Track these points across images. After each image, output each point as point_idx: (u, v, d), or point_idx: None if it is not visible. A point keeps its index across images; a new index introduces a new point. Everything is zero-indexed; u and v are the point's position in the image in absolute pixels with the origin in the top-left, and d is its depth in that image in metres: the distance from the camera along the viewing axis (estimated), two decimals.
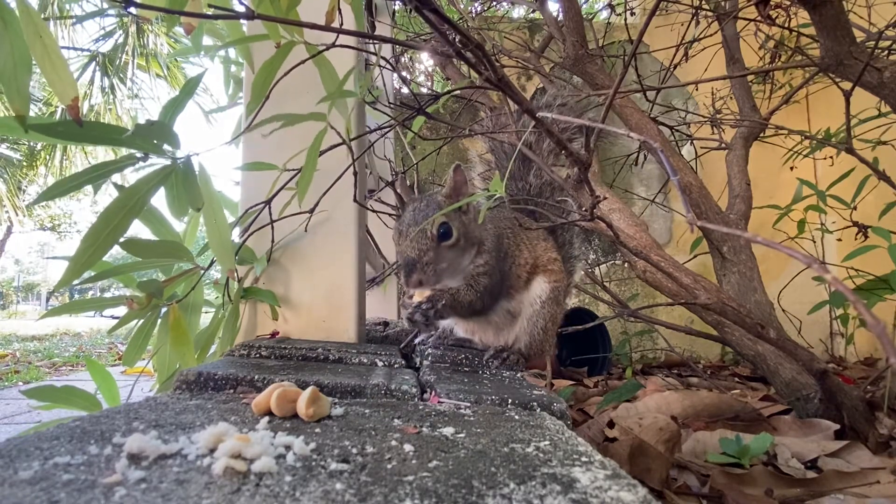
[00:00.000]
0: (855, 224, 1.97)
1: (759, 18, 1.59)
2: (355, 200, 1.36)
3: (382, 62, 1.49)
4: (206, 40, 1.56)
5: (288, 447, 0.55)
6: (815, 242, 2.90)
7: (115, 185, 1.04)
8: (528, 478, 0.49)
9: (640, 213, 3.33)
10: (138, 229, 1.28)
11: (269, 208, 1.35)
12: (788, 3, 2.26)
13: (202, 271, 1.29)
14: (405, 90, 3.02)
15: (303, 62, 1.21)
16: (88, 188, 1.03)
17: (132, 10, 0.77)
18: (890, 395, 1.28)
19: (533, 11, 3.34)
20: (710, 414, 1.41)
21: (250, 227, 1.38)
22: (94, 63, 8.13)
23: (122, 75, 8.07)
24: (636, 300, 3.24)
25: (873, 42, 1.28)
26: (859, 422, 1.23)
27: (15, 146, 11.20)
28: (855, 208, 1.94)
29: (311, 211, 1.37)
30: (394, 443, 0.60)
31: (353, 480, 0.48)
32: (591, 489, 0.47)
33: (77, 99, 0.83)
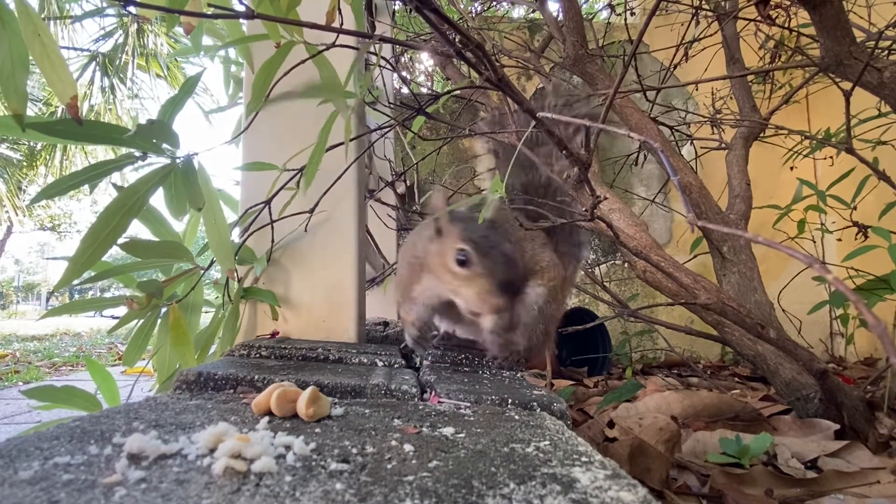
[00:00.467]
0: (855, 224, 1.97)
1: (759, 18, 1.59)
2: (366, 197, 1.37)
3: (382, 62, 1.49)
4: (206, 40, 1.56)
5: (288, 447, 0.55)
6: (815, 242, 2.91)
7: (115, 185, 1.04)
8: (528, 478, 0.49)
9: (640, 213, 3.33)
10: (138, 229, 1.28)
11: (269, 208, 1.35)
12: (788, 3, 2.26)
13: (202, 271, 1.29)
14: (405, 90, 3.03)
15: (302, 62, 1.21)
16: (86, 188, 1.03)
17: (132, 9, 0.77)
18: (890, 395, 1.28)
19: (533, 11, 3.34)
20: (710, 414, 1.41)
21: (250, 227, 1.38)
22: (93, 63, 8.13)
23: (122, 75, 8.07)
24: (636, 300, 3.24)
25: (873, 42, 1.28)
26: (859, 422, 1.23)
27: (15, 146, 11.20)
28: (855, 208, 1.94)
29: (312, 211, 1.37)
30: (394, 443, 0.60)
31: (353, 480, 0.48)
32: (591, 489, 0.47)
33: (76, 98, 0.83)
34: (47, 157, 10.43)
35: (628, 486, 0.47)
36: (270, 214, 1.35)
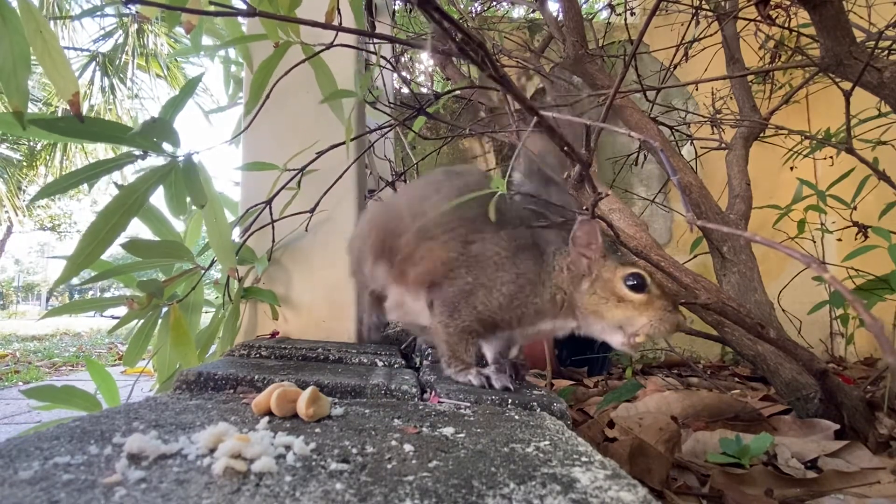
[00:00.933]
0: (855, 224, 1.97)
1: (759, 18, 1.59)
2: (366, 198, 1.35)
3: (382, 62, 1.49)
4: (206, 40, 1.56)
5: (288, 447, 0.55)
6: (815, 242, 2.90)
7: (115, 183, 1.05)
8: (528, 478, 0.49)
9: (640, 213, 3.33)
10: (139, 229, 1.28)
11: (270, 208, 1.35)
12: (788, 3, 2.26)
13: (203, 271, 1.29)
14: (405, 90, 3.03)
15: (301, 62, 1.21)
16: (86, 187, 1.03)
17: (133, 8, 0.77)
18: (890, 395, 1.28)
19: (533, 11, 3.34)
20: (710, 414, 1.41)
21: (251, 226, 1.38)
22: (94, 63, 8.13)
23: (122, 75, 8.08)
24: None
25: (873, 42, 1.28)
26: (859, 422, 1.23)
27: (15, 146, 11.19)
28: (855, 208, 1.94)
29: (312, 211, 1.37)
30: (394, 443, 0.60)
31: (353, 480, 0.48)
32: (591, 489, 0.47)
33: (78, 94, 0.83)
34: (47, 156, 10.43)
35: (628, 486, 0.47)
36: (271, 214, 1.35)
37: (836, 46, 1.18)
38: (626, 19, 2.53)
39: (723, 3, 2.21)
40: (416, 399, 0.87)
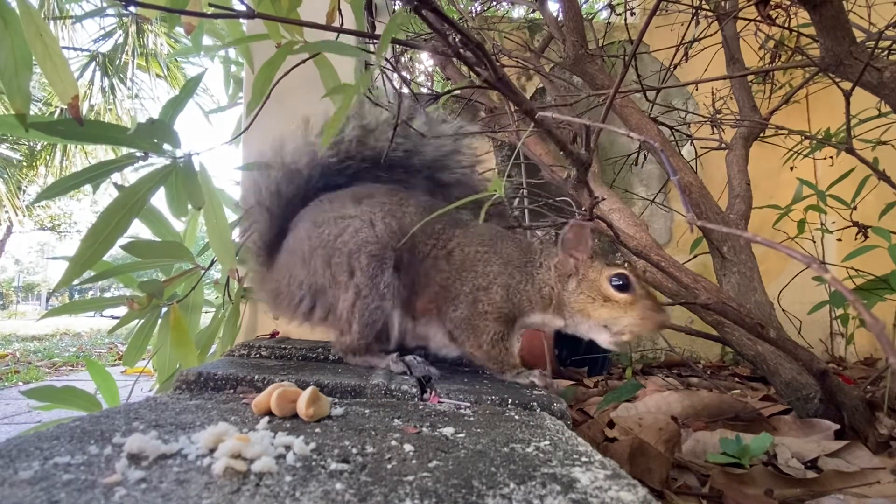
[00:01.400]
0: (855, 224, 1.97)
1: (759, 18, 1.59)
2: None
3: (382, 62, 1.49)
4: (207, 40, 1.56)
5: (288, 447, 0.55)
6: (815, 242, 2.90)
7: (116, 184, 1.05)
8: (528, 478, 0.49)
9: (640, 213, 3.33)
10: (139, 230, 1.28)
11: None
12: (788, 3, 2.26)
13: (203, 271, 1.29)
14: (405, 90, 3.02)
15: (303, 62, 1.21)
16: (87, 188, 1.04)
17: (133, 9, 0.77)
18: (890, 395, 1.28)
19: (533, 11, 3.34)
20: (710, 414, 1.40)
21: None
22: (94, 63, 8.13)
23: (122, 75, 8.08)
24: None
25: (873, 42, 1.28)
26: (859, 422, 1.23)
27: (15, 146, 11.19)
28: (855, 208, 1.94)
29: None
30: (394, 443, 0.60)
31: (353, 480, 0.48)
32: (591, 489, 0.47)
33: (77, 98, 0.83)
34: (47, 157, 10.43)
35: (628, 486, 0.47)
36: None
37: (836, 46, 1.18)
38: (626, 19, 2.53)
39: (723, 3, 2.21)
40: (416, 399, 0.87)
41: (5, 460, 0.49)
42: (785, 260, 3.03)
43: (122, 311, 1.22)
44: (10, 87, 0.80)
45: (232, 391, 0.86)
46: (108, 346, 7.54)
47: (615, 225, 1.30)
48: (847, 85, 1.25)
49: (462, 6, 3.05)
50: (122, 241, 1.04)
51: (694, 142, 2.66)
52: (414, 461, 0.54)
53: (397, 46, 2.59)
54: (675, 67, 2.20)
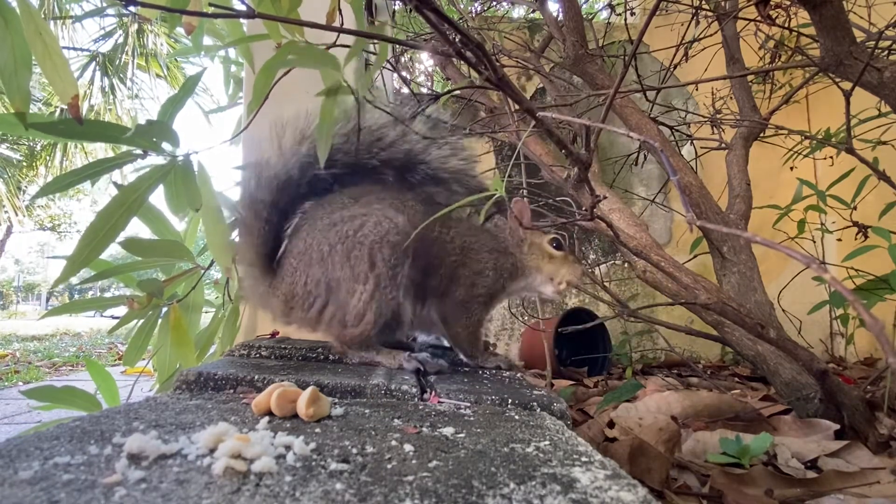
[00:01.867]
0: (855, 224, 1.97)
1: (759, 18, 1.59)
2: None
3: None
4: (207, 40, 1.56)
5: (288, 447, 0.55)
6: (815, 242, 2.90)
7: (115, 183, 1.05)
8: (528, 478, 0.49)
9: (640, 213, 3.33)
10: (140, 229, 1.28)
11: None
12: (788, 3, 2.26)
13: (203, 271, 1.29)
14: (405, 90, 3.02)
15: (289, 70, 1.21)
16: (87, 187, 1.04)
17: (133, 8, 0.77)
18: (890, 395, 1.28)
19: (533, 11, 3.34)
20: (710, 414, 1.40)
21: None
22: (94, 63, 8.13)
23: (122, 75, 8.08)
24: (636, 300, 3.23)
25: (873, 42, 1.28)
26: (859, 422, 1.23)
27: (15, 146, 11.19)
28: (855, 208, 1.94)
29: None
30: (394, 443, 0.60)
31: (353, 480, 0.48)
32: (591, 489, 0.47)
33: (77, 97, 0.83)
34: (47, 157, 10.43)
35: (628, 486, 0.47)
36: None
37: (836, 46, 1.18)
38: (626, 19, 2.53)
39: (723, 3, 2.21)
40: (416, 399, 0.87)
41: (5, 460, 0.49)
42: (785, 260, 3.03)
43: (122, 310, 1.22)
44: (10, 86, 0.80)
45: (232, 391, 0.86)
46: (108, 346, 7.54)
47: (615, 225, 1.30)
48: (847, 85, 1.25)
49: (462, 6, 3.05)
50: (122, 239, 1.04)
51: (694, 142, 2.66)
52: (414, 461, 0.54)
53: (397, 46, 2.59)
54: (675, 67, 2.20)
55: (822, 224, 2.35)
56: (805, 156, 2.45)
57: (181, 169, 1.08)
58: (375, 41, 1.54)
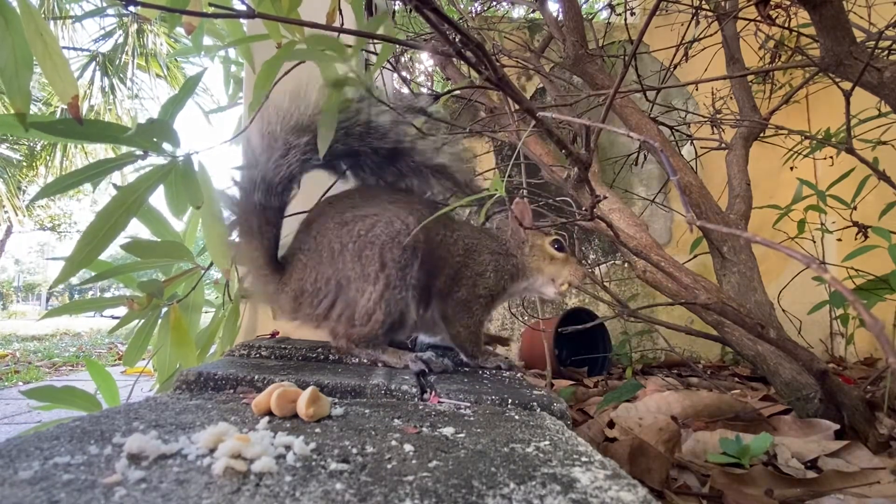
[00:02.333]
0: (855, 224, 1.97)
1: (759, 18, 1.59)
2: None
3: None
4: (207, 40, 1.56)
5: (288, 447, 0.55)
6: (815, 242, 2.90)
7: (114, 184, 1.05)
8: (528, 478, 0.49)
9: (640, 213, 3.33)
10: (139, 230, 1.28)
11: None
12: (788, 3, 2.26)
13: (203, 271, 1.29)
14: (405, 90, 3.02)
15: (304, 61, 1.21)
16: (87, 187, 1.04)
17: (133, 8, 0.77)
18: (890, 395, 1.28)
19: (533, 11, 3.34)
20: (710, 414, 1.41)
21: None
22: (94, 63, 8.13)
23: (122, 75, 8.08)
24: (636, 300, 3.23)
25: (873, 42, 1.28)
26: (859, 422, 1.23)
27: (15, 146, 11.19)
28: (855, 208, 1.94)
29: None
30: (394, 443, 0.60)
31: (353, 480, 0.48)
32: (591, 489, 0.47)
33: (77, 97, 0.83)
34: (47, 157, 10.43)
35: (628, 486, 0.47)
36: None
37: (836, 46, 1.18)
38: (626, 19, 2.53)
39: (723, 3, 2.21)
40: (416, 399, 0.87)
41: (5, 460, 0.49)
42: (785, 260, 3.03)
43: (122, 311, 1.22)
44: (11, 86, 0.80)
45: (232, 391, 0.86)
46: (108, 346, 7.54)
47: (615, 225, 1.30)
48: (847, 85, 1.25)
49: (462, 6, 3.05)
50: (122, 240, 1.04)
51: (694, 142, 2.66)
52: (414, 461, 0.54)
53: (397, 46, 2.59)
54: (675, 67, 2.20)
55: (822, 224, 2.34)
56: (805, 156, 2.45)
57: (182, 169, 1.08)
58: (376, 41, 1.54)
